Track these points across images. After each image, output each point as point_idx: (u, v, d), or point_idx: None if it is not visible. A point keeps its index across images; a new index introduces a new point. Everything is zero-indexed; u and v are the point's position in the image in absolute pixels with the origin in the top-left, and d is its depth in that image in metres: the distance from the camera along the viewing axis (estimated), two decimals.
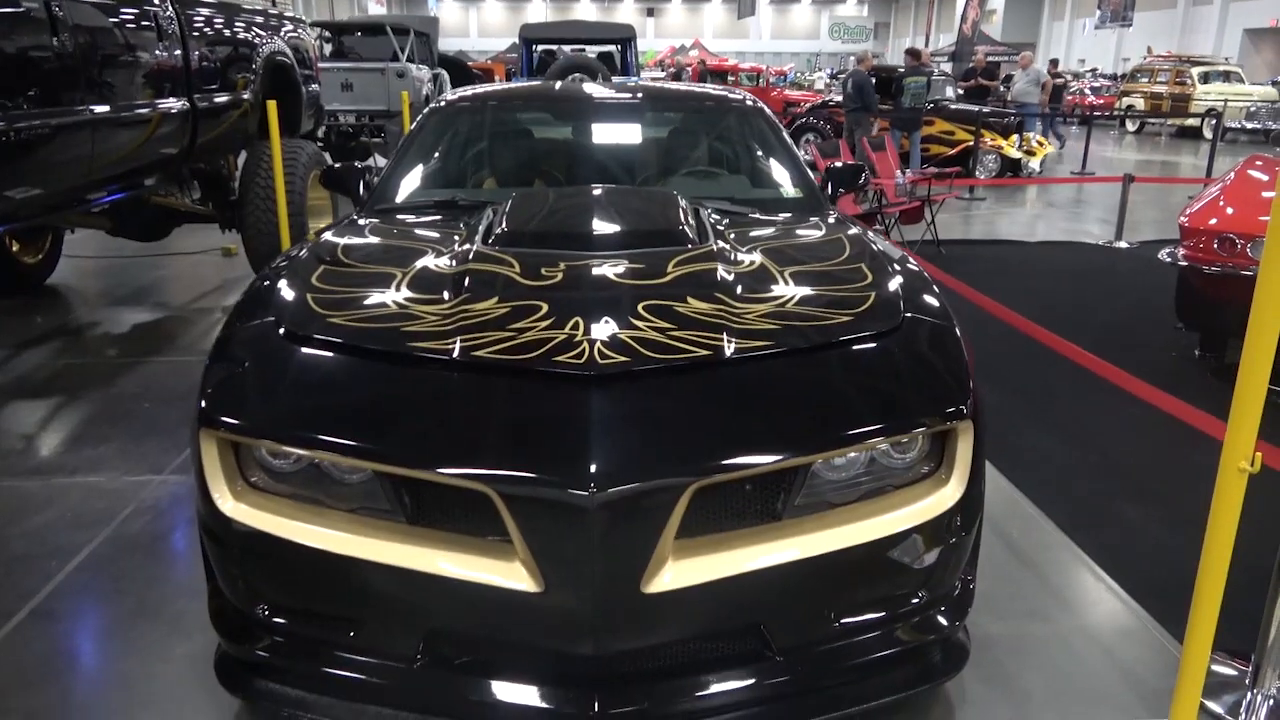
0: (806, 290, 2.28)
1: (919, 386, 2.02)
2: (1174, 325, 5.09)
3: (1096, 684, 2.35)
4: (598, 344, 1.95)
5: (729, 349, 1.98)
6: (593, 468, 1.72)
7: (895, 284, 2.34)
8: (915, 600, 2.04)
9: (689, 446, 1.80)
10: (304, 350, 2.06)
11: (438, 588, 1.82)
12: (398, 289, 2.27)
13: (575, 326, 2.01)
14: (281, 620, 1.98)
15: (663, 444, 1.80)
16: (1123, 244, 8.46)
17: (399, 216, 3.16)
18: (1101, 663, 2.44)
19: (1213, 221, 4.28)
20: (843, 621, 1.98)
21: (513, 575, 1.79)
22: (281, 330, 2.11)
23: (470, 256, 2.41)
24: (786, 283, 2.32)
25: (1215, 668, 2.33)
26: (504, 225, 2.61)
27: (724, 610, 1.88)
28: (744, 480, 1.87)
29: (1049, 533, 3.15)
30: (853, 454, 1.96)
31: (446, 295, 2.19)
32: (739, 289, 2.23)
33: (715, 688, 1.94)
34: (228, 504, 1.92)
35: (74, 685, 2.27)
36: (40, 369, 4.75)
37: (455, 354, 1.95)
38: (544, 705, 1.89)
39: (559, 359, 1.91)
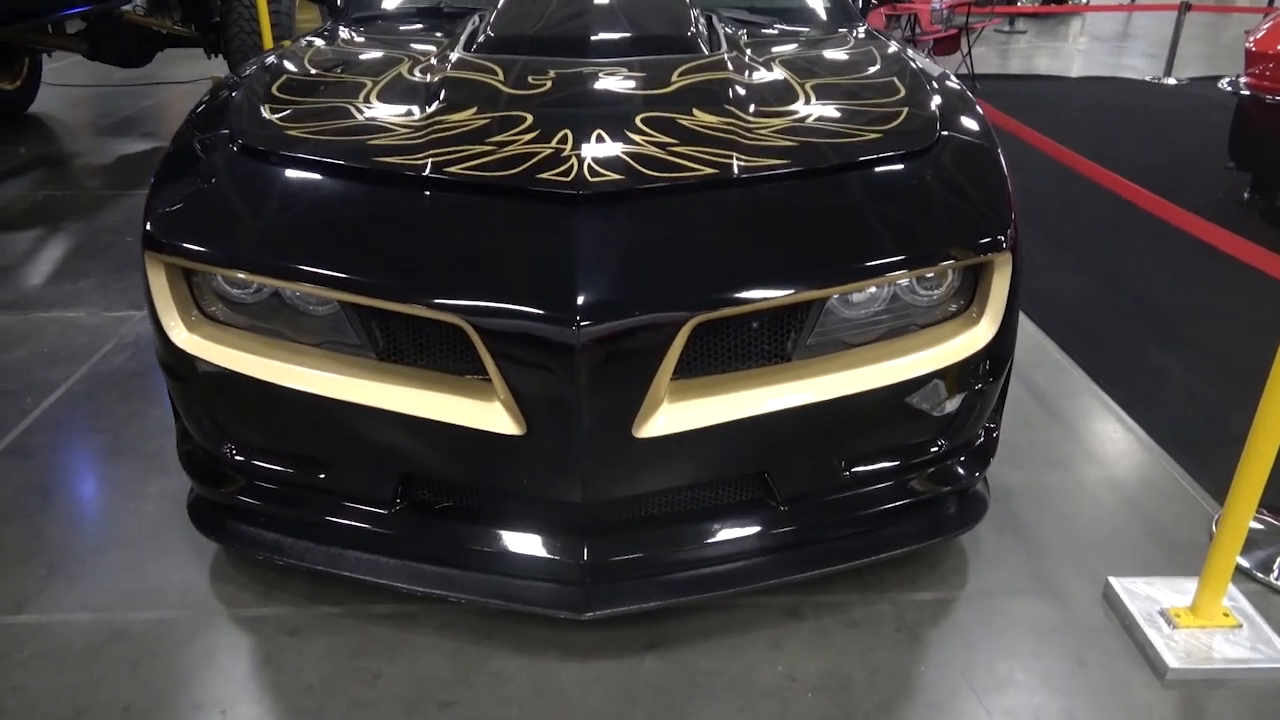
0: (831, 105, 2.00)
1: (952, 214, 1.78)
2: (1224, 165, 4.74)
3: (1119, 537, 2.22)
4: (588, 160, 1.71)
5: (737, 167, 1.73)
6: (579, 300, 1.52)
7: (931, 100, 2.05)
8: (934, 449, 1.88)
9: (687, 277, 1.60)
10: (259, 166, 1.83)
11: (412, 429, 1.67)
12: (366, 100, 2.01)
13: (563, 140, 1.76)
14: (250, 461, 1.85)
15: (658, 274, 1.59)
16: (1171, 80, 7.89)
17: (377, 24, 2.84)
18: (1125, 515, 2.31)
19: None
20: (854, 470, 1.83)
21: (493, 417, 1.63)
22: (235, 145, 1.88)
23: (450, 65, 2.13)
24: (808, 97, 2.03)
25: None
26: (489, 31, 2.32)
27: (725, 457, 1.72)
28: (749, 316, 1.67)
29: (1076, 379, 2.97)
30: (873, 289, 1.75)
31: (420, 106, 1.93)
32: (753, 103, 1.96)
33: (714, 537, 1.82)
34: (180, 335, 1.75)
35: (45, 523, 2.18)
36: (19, 200, 4.53)
37: (427, 170, 1.72)
38: (530, 553, 1.78)
39: (544, 176, 1.68)
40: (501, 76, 2.03)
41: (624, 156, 1.72)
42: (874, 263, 1.65)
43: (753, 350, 1.71)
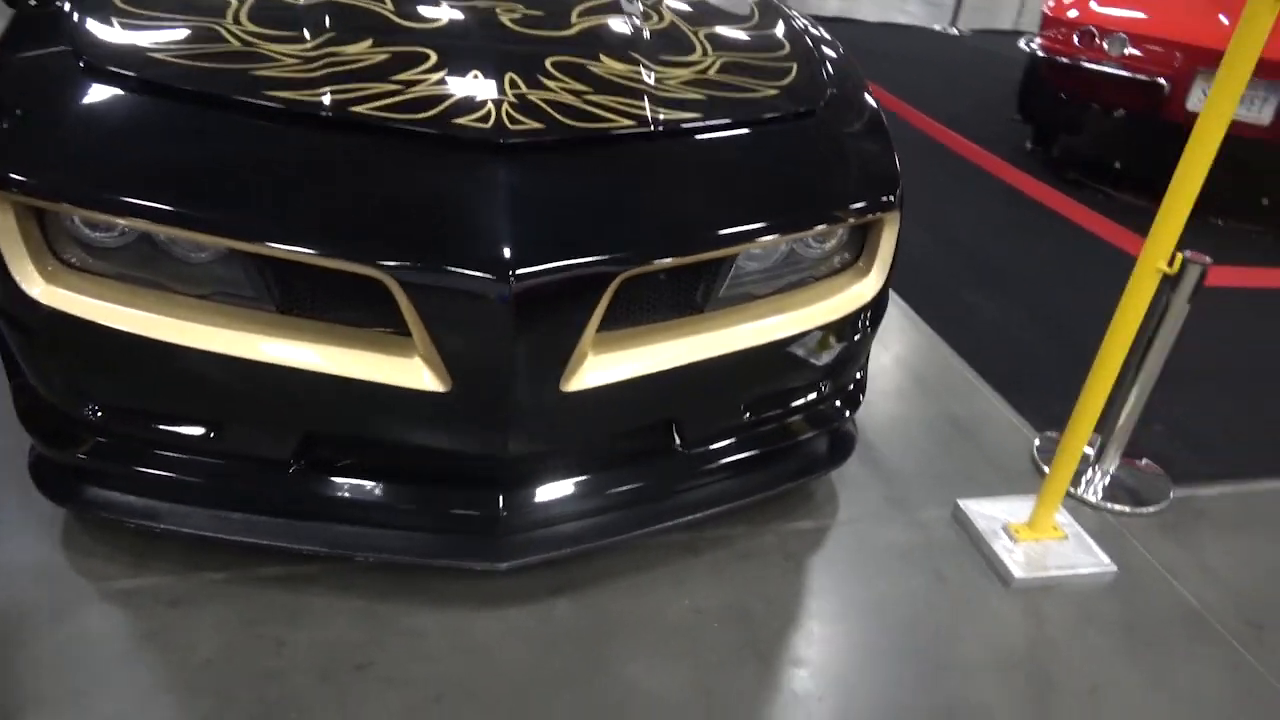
0: (725, 56, 2.02)
1: (854, 172, 1.88)
2: (1009, 117, 5.22)
3: (958, 463, 2.48)
4: (505, 105, 1.64)
5: (654, 120, 1.73)
6: (512, 252, 1.48)
7: (815, 56, 2.12)
8: (821, 391, 2.01)
9: (620, 231, 1.59)
10: (117, 90, 1.61)
11: (317, 387, 1.57)
12: (235, 20, 1.80)
13: (475, 83, 1.68)
14: (118, 423, 1.67)
15: (591, 227, 1.58)
16: (955, 31, 8.51)
17: None
18: (961, 443, 2.57)
19: (1073, 14, 4.28)
20: (752, 414, 1.93)
21: (413, 373, 1.57)
22: (82, 62, 1.64)
23: None
24: (703, 46, 2.04)
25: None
26: None
27: (642, 407, 1.76)
28: (670, 269, 1.69)
29: (904, 316, 3.23)
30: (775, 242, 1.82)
31: (305, 34, 1.77)
32: (654, 49, 1.95)
33: (622, 483, 1.87)
34: (37, 288, 1.54)
35: None
36: None
37: (327, 108, 1.59)
38: (443, 507, 1.75)
39: (460, 122, 1.59)
40: (390, 5, 1.88)
41: (541, 104, 1.66)
42: (794, 219, 1.72)
43: (670, 302, 1.74)
